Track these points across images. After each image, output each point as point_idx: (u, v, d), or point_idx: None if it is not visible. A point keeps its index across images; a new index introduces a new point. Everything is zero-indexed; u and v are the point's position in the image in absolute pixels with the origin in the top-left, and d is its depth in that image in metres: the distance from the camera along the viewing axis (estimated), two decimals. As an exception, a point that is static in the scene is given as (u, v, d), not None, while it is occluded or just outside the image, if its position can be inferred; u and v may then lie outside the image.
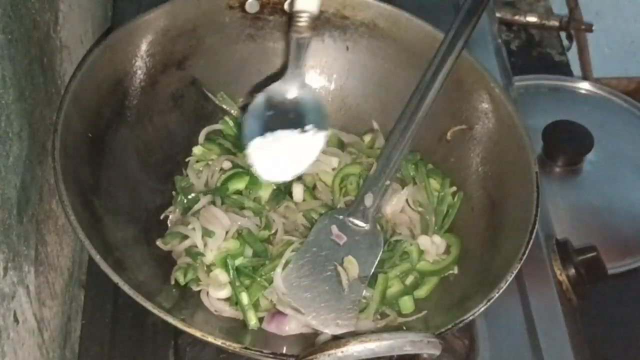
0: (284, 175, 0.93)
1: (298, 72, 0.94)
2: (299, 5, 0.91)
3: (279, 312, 0.87)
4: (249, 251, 0.91)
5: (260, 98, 0.94)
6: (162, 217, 0.96)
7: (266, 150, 0.92)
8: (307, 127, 0.93)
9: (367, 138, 1.04)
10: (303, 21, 0.91)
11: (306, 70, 1.05)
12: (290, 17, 0.93)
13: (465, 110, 1.00)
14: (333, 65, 1.06)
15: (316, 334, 0.86)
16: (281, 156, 0.92)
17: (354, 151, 1.02)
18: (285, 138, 0.92)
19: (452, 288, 0.93)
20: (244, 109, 0.99)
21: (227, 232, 0.91)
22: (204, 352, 0.90)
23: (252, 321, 0.87)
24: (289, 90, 0.94)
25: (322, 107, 0.95)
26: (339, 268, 0.89)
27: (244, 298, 0.88)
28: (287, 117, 0.94)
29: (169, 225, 0.95)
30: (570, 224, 1.28)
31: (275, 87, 0.95)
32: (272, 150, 0.92)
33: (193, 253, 0.90)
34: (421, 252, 0.94)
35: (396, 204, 0.97)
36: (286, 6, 1.02)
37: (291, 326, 0.87)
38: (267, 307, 0.89)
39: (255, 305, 0.88)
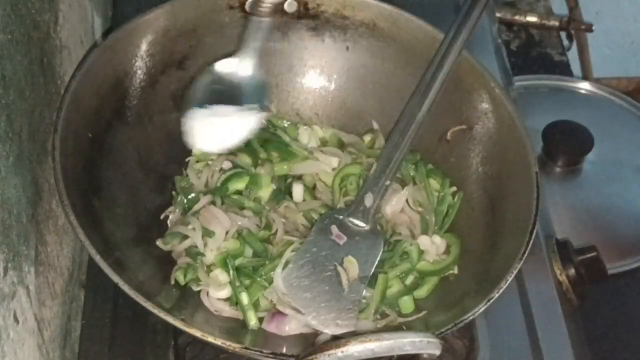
0: (213, 146, 0.95)
1: (252, 53, 0.96)
2: None
3: (279, 312, 0.87)
4: (249, 251, 0.91)
5: (210, 71, 0.96)
6: (162, 217, 0.96)
7: (202, 121, 0.94)
8: (247, 106, 0.95)
9: (367, 138, 1.04)
10: (265, 6, 0.94)
11: (306, 70, 1.06)
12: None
13: (465, 110, 1.00)
14: (333, 65, 1.06)
15: (316, 334, 0.86)
16: (215, 128, 0.94)
17: (354, 151, 1.02)
18: (222, 112, 0.94)
19: (452, 288, 0.93)
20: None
21: (227, 232, 0.91)
22: (204, 352, 0.90)
23: (252, 321, 0.87)
24: (240, 68, 0.96)
25: (267, 91, 0.98)
26: (339, 268, 0.89)
27: (244, 298, 0.88)
28: (232, 93, 0.96)
29: (169, 225, 0.95)
30: (570, 224, 1.28)
31: (227, 63, 0.96)
32: (207, 121, 0.94)
33: (193, 253, 0.90)
34: (421, 252, 0.94)
35: (396, 204, 0.97)
36: (286, 6, 1.02)
37: (291, 326, 0.87)
38: (267, 307, 0.89)
39: (255, 305, 0.88)
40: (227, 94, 0.96)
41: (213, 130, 0.94)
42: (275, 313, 0.88)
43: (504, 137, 0.96)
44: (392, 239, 0.94)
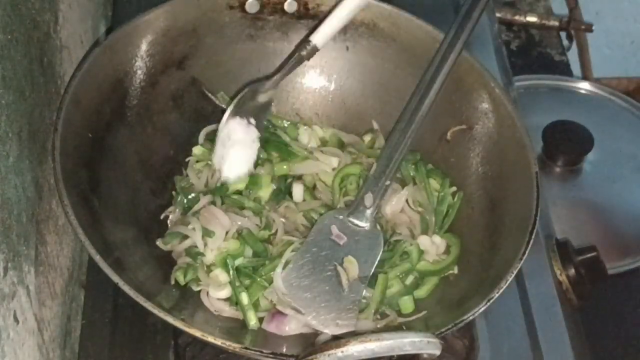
0: (236, 173, 0.96)
1: (280, 82, 1.00)
2: (314, 38, 0.97)
3: (279, 312, 0.87)
4: (249, 251, 0.91)
5: (248, 91, 0.99)
6: (162, 217, 0.96)
7: (228, 151, 0.97)
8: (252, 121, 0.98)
9: (367, 138, 1.04)
10: (309, 49, 0.97)
11: (306, 70, 1.06)
12: (304, 39, 0.99)
13: (465, 110, 1.00)
14: (333, 65, 1.06)
15: (316, 334, 0.86)
16: (235, 157, 0.97)
17: (354, 151, 1.02)
18: (238, 139, 0.97)
19: (452, 288, 0.93)
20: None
21: (227, 232, 0.91)
22: (204, 352, 0.90)
23: (252, 321, 0.87)
24: (267, 93, 1.00)
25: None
26: (339, 268, 0.89)
27: (244, 298, 0.88)
28: (249, 110, 0.99)
29: (169, 225, 0.95)
30: (570, 224, 1.28)
31: (261, 86, 1.00)
32: (230, 151, 0.97)
33: (193, 253, 0.90)
34: (421, 252, 0.94)
35: (396, 204, 0.97)
36: (286, 6, 1.02)
37: (291, 326, 0.87)
38: (267, 307, 0.89)
39: (255, 305, 0.88)
40: (247, 110, 0.99)
41: (235, 160, 0.97)
42: (275, 313, 0.88)
43: (504, 137, 0.96)
44: (392, 239, 0.94)
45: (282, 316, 0.87)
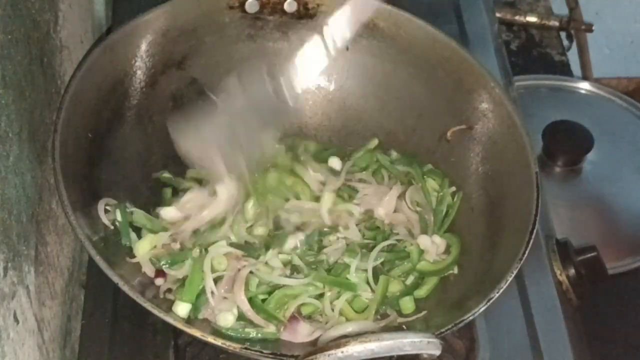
0: None
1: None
2: None
3: (293, 319, 0.86)
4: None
5: None
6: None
7: None
8: None
9: (370, 146, 1.03)
10: None
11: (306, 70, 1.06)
12: None
13: (465, 110, 1.00)
14: (333, 65, 1.06)
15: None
16: None
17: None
18: None
19: (452, 288, 0.93)
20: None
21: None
22: (204, 352, 0.90)
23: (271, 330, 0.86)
24: None
25: None
26: None
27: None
28: None
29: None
30: (570, 224, 1.28)
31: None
32: None
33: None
34: (421, 252, 0.94)
35: (388, 204, 0.96)
36: (286, 6, 1.02)
37: (304, 332, 0.86)
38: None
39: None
40: None
41: None
42: (289, 320, 0.86)
43: (504, 137, 0.96)
44: (391, 239, 0.94)
45: (296, 323, 0.86)
